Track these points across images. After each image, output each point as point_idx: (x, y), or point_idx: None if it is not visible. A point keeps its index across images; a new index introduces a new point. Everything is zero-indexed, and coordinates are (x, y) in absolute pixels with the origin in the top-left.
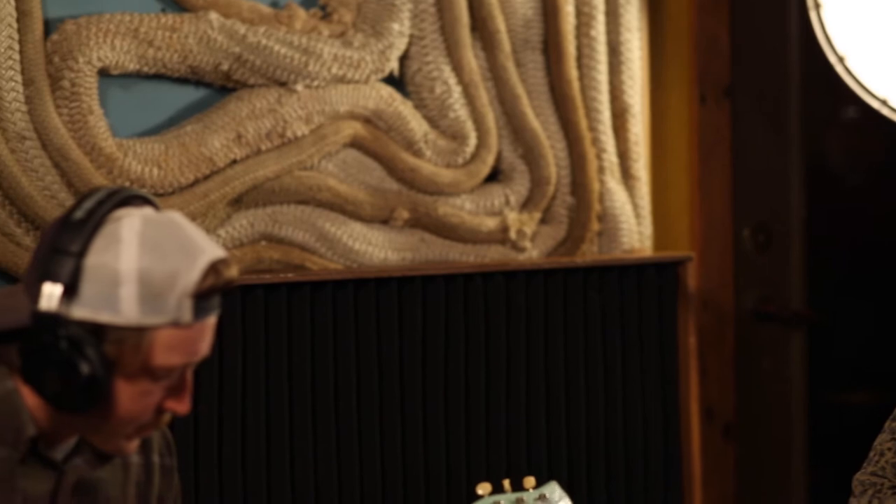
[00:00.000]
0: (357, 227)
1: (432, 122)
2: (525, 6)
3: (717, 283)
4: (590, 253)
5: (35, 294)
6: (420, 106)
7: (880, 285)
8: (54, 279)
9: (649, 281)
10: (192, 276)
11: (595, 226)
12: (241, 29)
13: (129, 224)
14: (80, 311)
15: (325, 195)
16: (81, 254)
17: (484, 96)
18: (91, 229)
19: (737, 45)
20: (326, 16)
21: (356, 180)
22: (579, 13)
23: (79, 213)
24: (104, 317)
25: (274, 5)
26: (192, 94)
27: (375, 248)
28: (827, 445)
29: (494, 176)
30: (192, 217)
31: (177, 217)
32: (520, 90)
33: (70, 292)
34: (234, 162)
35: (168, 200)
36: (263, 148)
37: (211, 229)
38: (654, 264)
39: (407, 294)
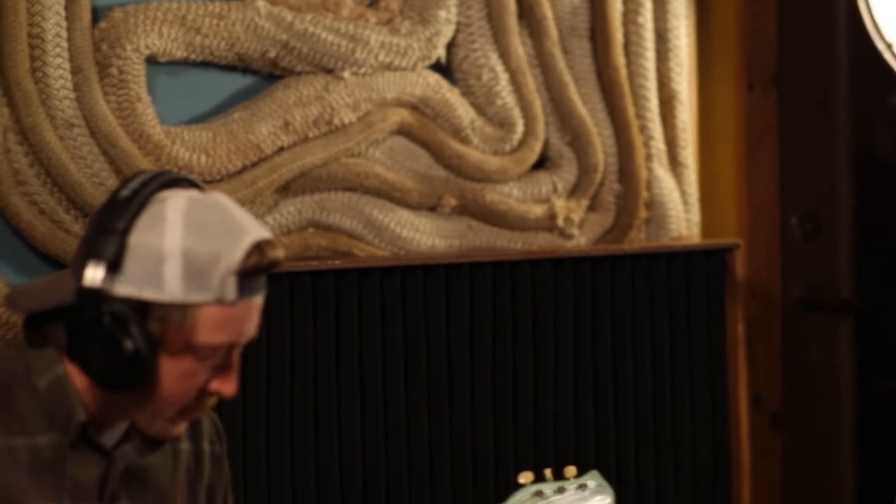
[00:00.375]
0: (404, 214)
1: (479, 109)
2: None
3: (765, 272)
4: (637, 240)
5: (80, 272)
6: (467, 93)
7: None
8: (98, 256)
9: (697, 268)
10: (235, 254)
11: (642, 213)
12: (289, 16)
13: (174, 204)
14: (124, 288)
15: (373, 182)
16: (126, 231)
17: (531, 83)
18: (136, 208)
19: (784, 32)
20: (373, 3)
21: (403, 167)
22: (626, 0)
23: (124, 192)
24: (148, 294)
25: None
26: (239, 82)
27: (423, 235)
28: (875, 434)
29: (542, 163)
30: (240, 204)
31: (222, 198)
32: (567, 77)
33: (114, 269)
34: (282, 149)
35: (216, 188)
36: (311, 135)
37: (259, 216)
38: (701, 251)
39: (454, 281)
